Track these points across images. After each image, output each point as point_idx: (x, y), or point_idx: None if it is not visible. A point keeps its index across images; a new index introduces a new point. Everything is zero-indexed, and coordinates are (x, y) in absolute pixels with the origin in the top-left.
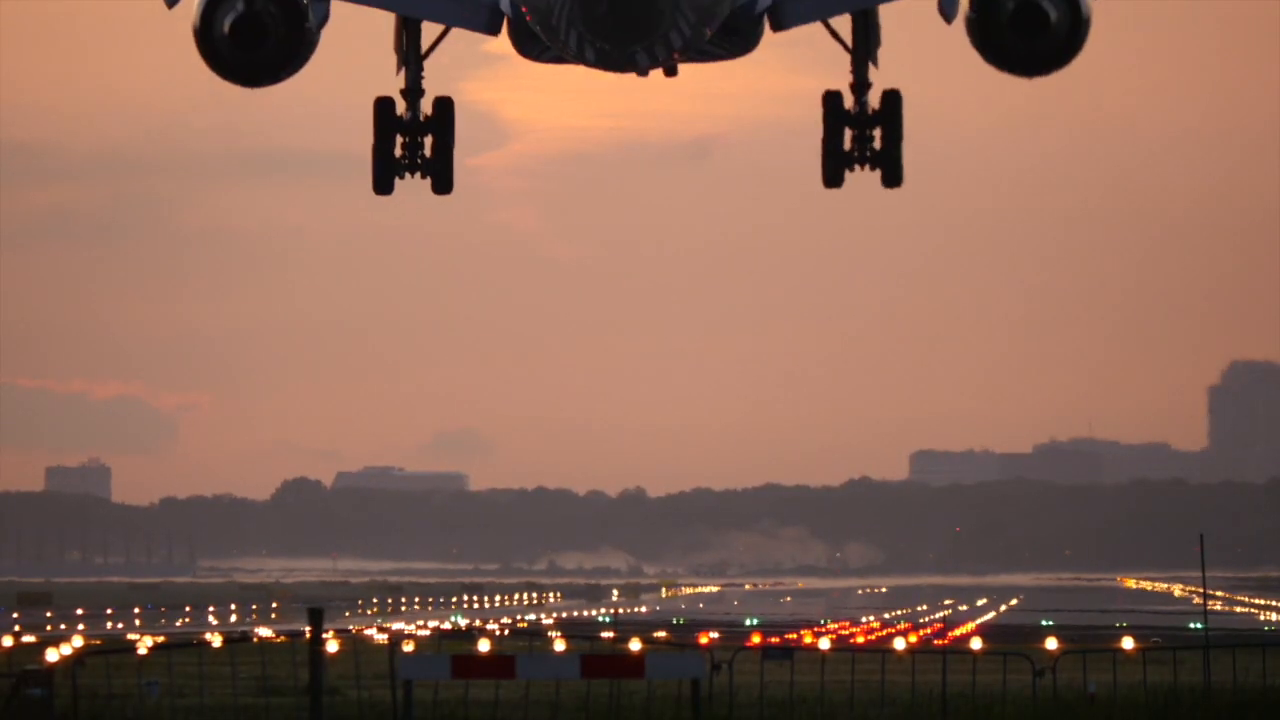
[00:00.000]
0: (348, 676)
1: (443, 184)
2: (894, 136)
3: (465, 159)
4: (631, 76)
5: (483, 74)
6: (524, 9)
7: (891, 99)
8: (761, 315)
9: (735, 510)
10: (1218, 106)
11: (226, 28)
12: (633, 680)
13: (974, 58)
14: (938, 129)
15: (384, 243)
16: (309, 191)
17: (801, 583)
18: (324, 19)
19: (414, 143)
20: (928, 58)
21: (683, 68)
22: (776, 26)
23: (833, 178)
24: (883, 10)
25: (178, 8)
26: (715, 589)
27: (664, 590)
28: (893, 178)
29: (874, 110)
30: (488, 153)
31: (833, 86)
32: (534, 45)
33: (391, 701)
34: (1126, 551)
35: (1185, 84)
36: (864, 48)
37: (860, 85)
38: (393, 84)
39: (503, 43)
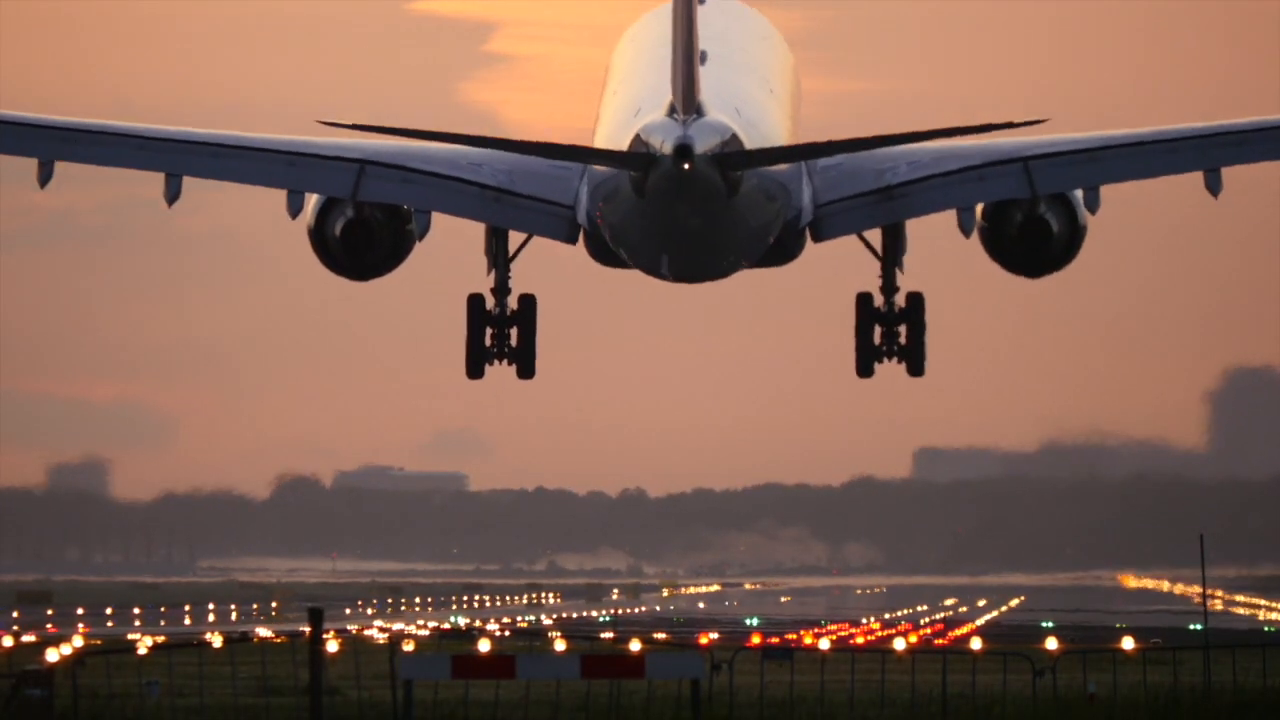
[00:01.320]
0: (348, 676)
1: (526, 370)
2: (918, 333)
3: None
4: None
5: (483, 74)
6: (600, 224)
7: (915, 300)
8: (761, 314)
9: (735, 510)
10: (1219, 107)
11: (338, 231)
12: (633, 680)
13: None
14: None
15: None
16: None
17: (802, 582)
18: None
19: (501, 334)
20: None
21: None
22: (817, 238)
23: (864, 369)
24: (909, 223)
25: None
26: (715, 589)
27: (664, 590)
28: (916, 369)
29: (900, 309)
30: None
31: (864, 289)
32: (607, 254)
33: (391, 701)
34: (1128, 550)
35: (1186, 84)
36: (892, 255)
37: (888, 288)
38: (484, 282)
39: (503, 43)
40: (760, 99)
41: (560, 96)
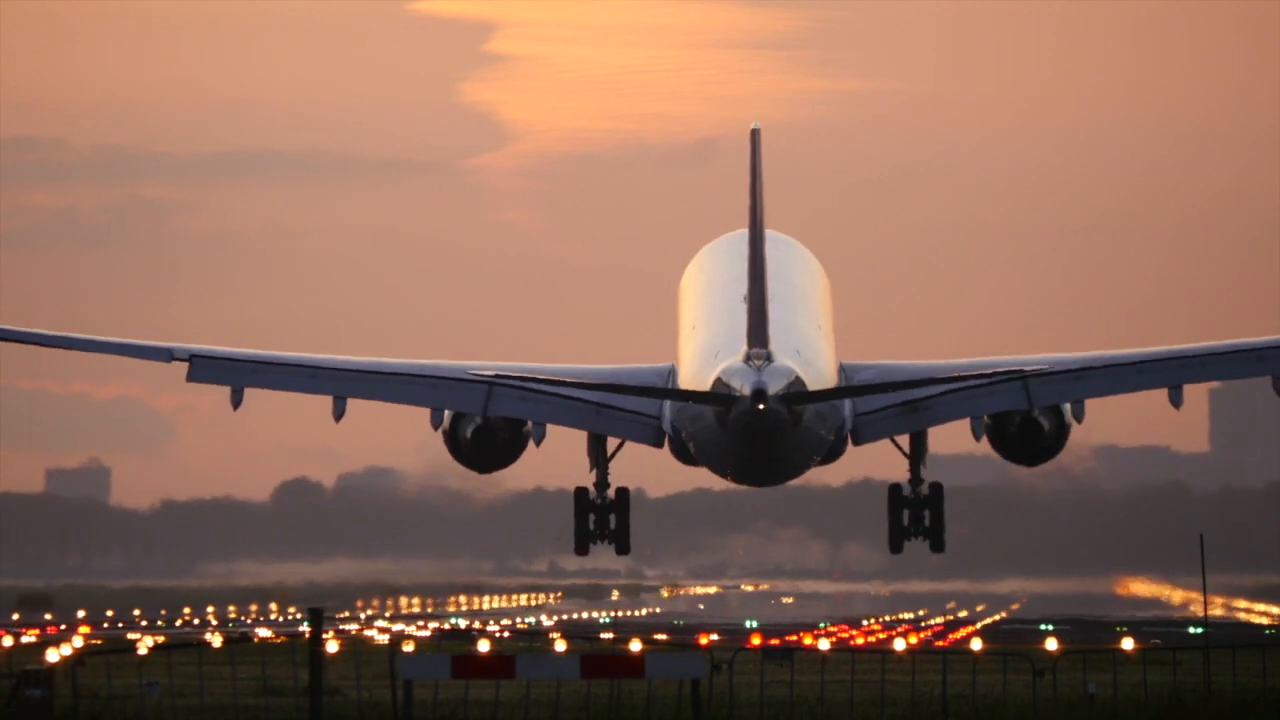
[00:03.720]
0: (348, 677)
1: (623, 548)
2: (938, 516)
3: (465, 159)
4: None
5: (483, 74)
6: (685, 438)
7: (936, 489)
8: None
9: (735, 511)
10: (1218, 107)
11: (468, 435)
12: (633, 680)
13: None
14: (957, 126)
15: (384, 243)
16: (309, 192)
17: (802, 585)
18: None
19: (602, 519)
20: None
21: None
22: (857, 442)
23: (896, 547)
24: (930, 429)
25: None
26: (715, 591)
27: (664, 591)
28: (938, 546)
29: (924, 497)
30: (488, 153)
31: (896, 479)
32: (688, 457)
33: (391, 701)
34: (1127, 555)
35: (1184, 86)
36: (918, 454)
37: (915, 480)
38: (587, 478)
39: (503, 43)
40: (812, 336)
41: (560, 96)
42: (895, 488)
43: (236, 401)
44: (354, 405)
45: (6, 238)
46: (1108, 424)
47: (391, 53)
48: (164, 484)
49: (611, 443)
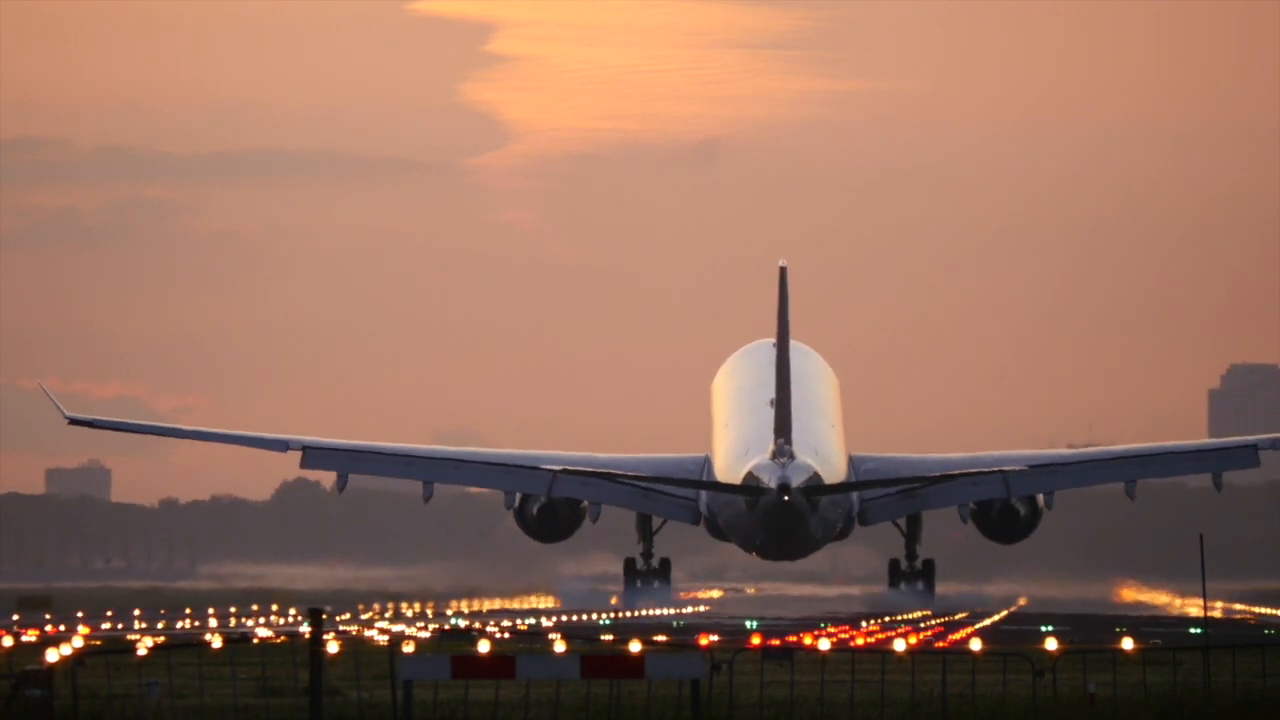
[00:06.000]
0: (348, 677)
1: (664, 603)
2: (930, 586)
3: (465, 159)
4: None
5: (483, 74)
6: (719, 519)
7: (928, 564)
8: (763, 319)
9: None
10: (1217, 109)
11: (534, 511)
12: (633, 681)
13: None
14: (958, 126)
15: (384, 243)
16: (309, 192)
17: (803, 588)
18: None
19: (648, 585)
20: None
21: None
22: (862, 523)
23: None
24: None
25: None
26: (715, 593)
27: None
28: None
29: (918, 570)
30: (488, 153)
31: (894, 556)
32: (719, 534)
33: (391, 701)
34: (1126, 556)
35: (1183, 88)
36: (913, 534)
37: (910, 555)
38: (635, 550)
39: (503, 43)
40: (827, 435)
41: (560, 96)
42: (894, 562)
43: (341, 485)
44: (345, 402)
45: (7, 238)
46: (1107, 422)
47: (391, 53)
48: (164, 484)
49: (655, 520)
